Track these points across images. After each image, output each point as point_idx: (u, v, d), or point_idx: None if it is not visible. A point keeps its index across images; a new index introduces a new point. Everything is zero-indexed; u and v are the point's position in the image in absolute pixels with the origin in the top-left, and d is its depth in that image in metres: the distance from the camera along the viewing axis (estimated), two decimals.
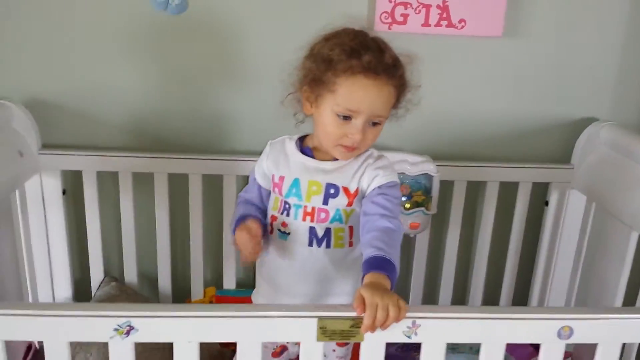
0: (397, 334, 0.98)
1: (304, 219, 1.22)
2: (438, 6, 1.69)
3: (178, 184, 1.75)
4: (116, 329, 0.94)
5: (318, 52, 1.19)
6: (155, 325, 0.96)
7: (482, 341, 1.02)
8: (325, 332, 0.98)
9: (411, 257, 1.87)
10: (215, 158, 1.72)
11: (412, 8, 1.68)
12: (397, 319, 0.96)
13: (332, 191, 1.21)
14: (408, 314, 0.98)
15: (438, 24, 1.70)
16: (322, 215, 1.22)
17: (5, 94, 1.64)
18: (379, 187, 1.19)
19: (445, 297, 1.90)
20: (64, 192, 1.73)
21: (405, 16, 1.69)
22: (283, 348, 1.37)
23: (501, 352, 1.02)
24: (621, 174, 1.63)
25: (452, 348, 1.65)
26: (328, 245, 1.22)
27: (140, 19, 1.66)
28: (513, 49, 1.76)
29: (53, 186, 1.70)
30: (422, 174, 1.72)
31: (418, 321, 0.98)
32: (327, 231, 1.22)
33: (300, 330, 0.98)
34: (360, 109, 1.14)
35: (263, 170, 1.30)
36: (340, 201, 1.21)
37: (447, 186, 1.81)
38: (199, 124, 1.75)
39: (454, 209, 1.83)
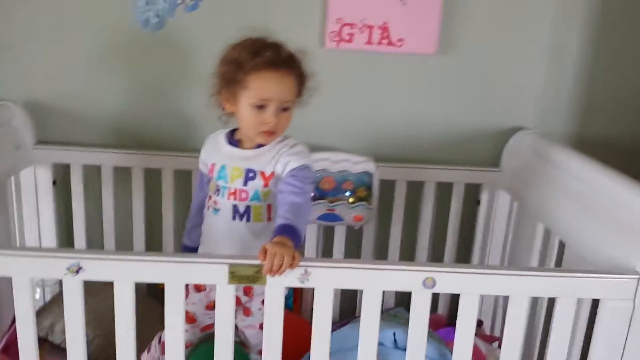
0: (293, 279, 1.22)
1: (228, 198, 1.47)
2: (379, 27, 1.94)
3: (152, 178, 2.00)
4: (68, 268, 1.19)
5: (228, 57, 1.44)
6: (99, 266, 1.21)
7: (364, 287, 1.24)
8: (234, 277, 1.22)
9: (360, 248, 2.08)
10: (185, 155, 1.96)
11: (357, 28, 1.94)
12: (291, 266, 1.20)
13: (250, 175, 1.46)
14: (302, 263, 1.21)
15: (380, 42, 1.95)
16: (243, 195, 1.46)
17: (6, 95, 1.93)
18: (291, 169, 1.43)
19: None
20: (54, 183, 2.00)
21: (351, 35, 1.94)
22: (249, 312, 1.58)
23: (379, 298, 1.24)
24: (537, 175, 1.85)
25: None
26: (248, 219, 1.46)
27: (125, 33, 1.93)
28: (446, 64, 2.00)
29: (45, 177, 1.97)
30: (363, 172, 1.96)
31: (309, 269, 1.22)
32: (247, 208, 1.46)
33: (215, 274, 1.22)
34: (271, 97, 1.39)
35: (202, 159, 1.57)
36: (258, 183, 1.45)
37: (389, 185, 2.05)
38: (172, 124, 2.01)
39: (396, 206, 2.06)
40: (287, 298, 1.30)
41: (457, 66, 2.01)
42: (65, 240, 2.07)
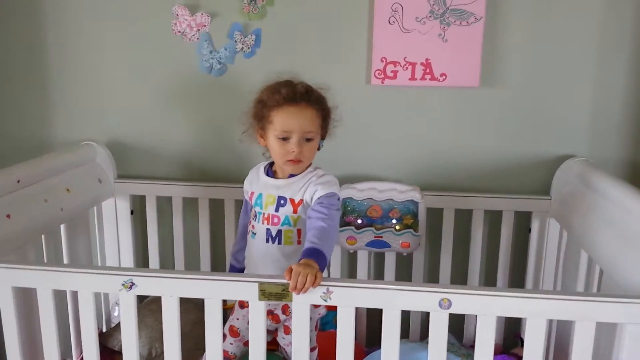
0: (316, 297, 1.34)
1: (263, 222, 1.63)
2: (422, 63, 2.04)
3: (216, 207, 2.20)
4: (123, 284, 1.38)
5: (256, 98, 1.65)
6: (148, 282, 1.38)
7: (383, 307, 1.33)
8: (264, 294, 1.35)
9: (410, 274, 2.16)
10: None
11: (401, 66, 2.05)
12: (313, 284, 1.31)
13: (282, 202, 1.62)
14: (324, 283, 1.33)
15: (423, 78, 2.05)
16: (275, 220, 1.62)
17: (91, 136, 2.21)
18: (319, 197, 1.57)
19: None
20: (132, 212, 2.24)
21: (395, 72, 2.06)
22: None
23: (398, 317, 1.33)
24: (581, 203, 1.85)
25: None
26: (280, 242, 1.61)
27: (192, 78, 2.16)
28: (491, 95, 2.07)
29: (124, 207, 2.22)
30: (409, 200, 2.05)
31: (332, 288, 1.33)
32: (279, 232, 1.61)
33: (247, 292, 1.36)
34: (292, 129, 1.56)
35: (245, 188, 1.75)
36: (288, 209, 1.61)
37: (437, 213, 2.12)
38: (232, 159, 2.20)
39: (445, 233, 2.12)
40: (333, 317, 1.40)
41: (502, 97, 2.07)
42: (142, 262, 2.30)
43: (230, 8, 2.08)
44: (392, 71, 2.06)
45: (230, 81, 2.15)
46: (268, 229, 1.62)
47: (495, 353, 2.10)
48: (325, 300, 1.34)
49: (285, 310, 1.63)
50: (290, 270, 1.33)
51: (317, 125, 1.60)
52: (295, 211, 1.60)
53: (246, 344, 1.67)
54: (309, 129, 1.58)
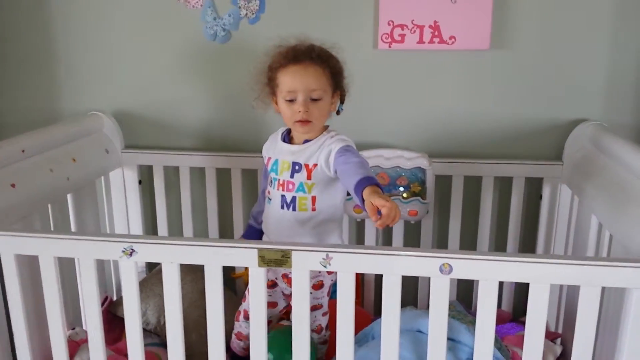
0: (315, 263, 1.32)
1: (277, 189, 1.61)
2: (430, 26, 1.99)
3: (223, 176, 2.18)
4: (123, 251, 1.38)
5: (263, 64, 1.62)
6: (149, 249, 1.38)
7: (383, 272, 1.31)
8: (263, 260, 1.34)
9: (419, 241, 2.13)
10: (251, 155, 2.13)
11: (408, 29, 2.00)
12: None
13: (296, 167, 1.59)
14: (323, 248, 1.31)
15: (431, 41, 2.00)
16: (290, 186, 1.59)
17: (98, 107, 2.20)
18: (337, 152, 1.53)
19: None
20: (139, 182, 2.24)
21: (402, 36, 2.01)
22: (273, 282, 1.71)
23: (398, 282, 1.31)
24: (593, 167, 1.81)
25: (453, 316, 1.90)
26: (294, 209, 1.59)
27: (197, 46, 2.13)
28: (501, 58, 2.01)
29: (131, 177, 2.22)
30: (416, 167, 2.02)
31: (331, 254, 1.31)
32: (293, 198, 1.59)
33: (247, 258, 1.35)
34: (296, 88, 1.53)
35: (263, 153, 1.73)
36: (302, 175, 1.58)
37: (446, 180, 2.08)
38: (239, 128, 2.19)
39: (454, 201, 2.09)
40: None
41: (513, 60, 2.01)
42: (150, 232, 2.30)
43: None
44: (399, 34, 2.01)
45: (235, 48, 2.12)
46: (283, 195, 1.60)
47: (505, 321, 2.08)
48: (325, 267, 1.32)
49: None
50: (374, 207, 1.28)
51: (324, 83, 1.56)
52: (309, 177, 1.57)
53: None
54: (314, 87, 1.54)
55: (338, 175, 1.54)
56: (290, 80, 1.54)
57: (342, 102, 1.65)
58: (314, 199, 1.59)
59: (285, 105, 1.57)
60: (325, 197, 1.60)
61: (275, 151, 1.65)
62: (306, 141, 1.61)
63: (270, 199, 1.65)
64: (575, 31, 1.96)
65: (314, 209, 1.59)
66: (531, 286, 1.28)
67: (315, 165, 1.57)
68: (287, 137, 1.66)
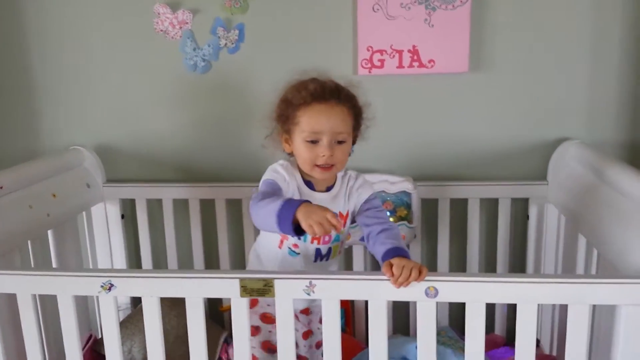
0: (298, 290, 1.29)
1: (312, 242, 1.49)
2: (409, 50, 2.00)
3: (207, 207, 2.16)
4: (102, 286, 1.34)
5: (280, 98, 1.49)
6: (128, 283, 1.34)
7: (369, 298, 1.29)
8: (246, 290, 1.31)
9: None
10: (234, 185, 2.11)
11: (387, 54, 2.01)
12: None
13: None
14: (306, 276, 1.28)
15: (410, 65, 2.01)
16: (327, 238, 1.49)
17: (78, 141, 2.18)
18: (365, 201, 1.50)
19: (441, 306, 2.11)
20: (122, 216, 2.21)
21: (382, 61, 2.01)
22: (309, 332, 1.64)
23: (383, 308, 1.28)
24: (578, 185, 1.80)
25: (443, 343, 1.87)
26: (328, 259, 1.53)
27: (177, 77, 2.12)
28: (481, 81, 2.02)
29: (114, 211, 2.19)
30: (401, 192, 2.00)
31: (314, 281, 1.28)
32: (329, 249, 1.52)
33: (228, 288, 1.31)
34: (322, 130, 1.40)
35: (284, 188, 1.46)
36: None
37: (432, 203, 2.07)
38: (222, 158, 2.17)
39: (441, 224, 2.07)
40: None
41: (493, 82, 2.02)
42: (134, 266, 2.26)
43: (212, 3, 2.04)
44: (379, 60, 2.01)
45: (215, 78, 2.11)
46: (318, 249, 1.49)
47: (499, 345, 2.05)
48: (309, 294, 1.29)
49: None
50: (390, 265, 1.25)
51: (349, 125, 1.45)
52: (344, 225, 1.50)
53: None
54: (341, 130, 1.42)
55: (358, 222, 1.52)
56: (315, 120, 1.40)
57: (353, 142, 1.53)
58: (342, 242, 1.55)
59: (304, 147, 1.42)
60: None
61: (303, 197, 1.47)
62: (330, 187, 1.52)
63: (296, 253, 1.50)
64: (554, 51, 1.97)
65: (340, 252, 1.55)
66: (519, 307, 1.26)
67: (348, 212, 1.52)
68: (310, 183, 1.50)
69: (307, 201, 1.30)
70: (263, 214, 1.32)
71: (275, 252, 1.53)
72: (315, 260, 1.52)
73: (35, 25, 2.13)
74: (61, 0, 2.10)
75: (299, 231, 1.26)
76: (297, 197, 1.47)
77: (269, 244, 1.55)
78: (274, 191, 1.42)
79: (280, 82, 1.76)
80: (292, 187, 1.47)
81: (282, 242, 1.52)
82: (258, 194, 1.39)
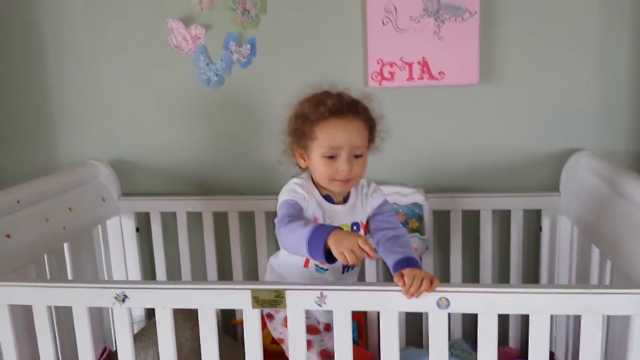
0: (310, 302, 1.30)
1: None
2: (419, 62, 2.01)
3: (220, 220, 2.17)
4: (115, 297, 1.36)
5: (295, 113, 1.48)
6: (141, 294, 1.36)
7: (380, 309, 1.29)
8: (257, 301, 1.32)
9: None
10: (247, 198, 2.13)
11: (397, 66, 2.02)
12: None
13: (355, 228, 1.49)
14: (317, 287, 1.29)
15: (420, 77, 2.02)
16: None
17: (94, 155, 2.21)
18: (378, 207, 1.51)
19: (455, 318, 2.10)
20: (137, 230, 2.23)
21: (392, 74, 2.03)
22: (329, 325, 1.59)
23: (395, 319, 1.28)
24: (591, 196, 1.79)
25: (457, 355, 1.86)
26: (354, 269, 1.54)
27: (191, 92, 2.15)
28: (491, 92, 2.02)
29: (129, 225, 2.21)
30: (413, 204, 2.00)
31: (325, 292, 1.29)
32: None
33: (240, 299, 1.32)
34: (341, 145, 1.40)
35: (305, 209, 1.44)
36: (361, 234, 1.50)
37: (444, 215, 2.07)
38: (235, 171, 2.19)
39: (453, 235, 2.07)
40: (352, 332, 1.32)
41: (504, 93, 2.02)
42: (149, 279, 2.28)
43: (224, 19, 2.07)
44: (389, 72, 2.03)
45: (228, 92, 2.14)
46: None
47: (513, 358, 2.03)
48: (320, 305, 1.30)
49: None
50: (401, 275, 1.25)
51: (366, 138, 1.46)
52: (365, 233, 1.51)
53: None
54: (359, 144, 1.42)
55: (369, 227, 1.52)
56: (335, 135, 1.40)
57: None
58: None
59: (322, 162, 1.42)
60: None
61: (326, 214, 1.47)
62: (346, 197, 1.52)
63: (324, 269, 1.49)
64: (562, 61, 1.98)
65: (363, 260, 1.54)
66: (531, 318, 1.25)
67: (367, 219, 1.53)
68: (329, 197, 1.50)
69: (339, 228, 1.30)
70: (293, 239, 1.32)
71: (301, 270, 1.52)
72: (343, 272, 1.53)
73: (52, 42, 2.17)
74: (77, 18, 2.15)
75: (329, 257, 1.26)
76: (318, 213, 1.47)
77: (294, 264, 1.53)
78: (297, 212, 1.41)
79: (292, 95, 1.74)
80: (312, 204, 1.47)
81: (307, 261, 1.51)
82: (284, 217, 1.37)
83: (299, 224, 1.32)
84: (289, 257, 1.52)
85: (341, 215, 1.49)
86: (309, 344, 1.52)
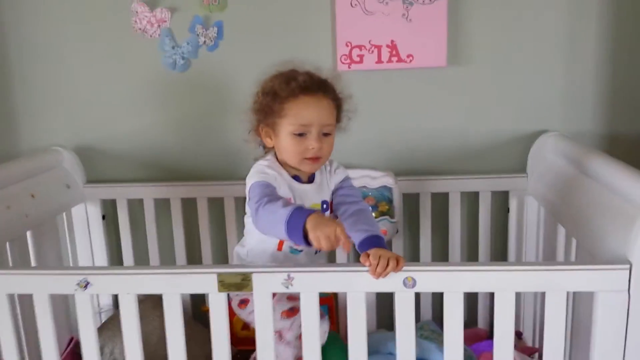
0: (277, 284, 1.28)
1: None
2: (387, 45, 2.00)
3: (189, 206, 2.15)
4: (77, 284, 1.33)
5: (263, 90, 1.47)
6: (104, 280, 1.33)
7: (346, 290, 1.28)
8: (223, 284, 1.30)
9: None
10: (216, 184, 2.10)
11: (366, 49, 2.01)
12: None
13: (325, 206, 1.50)
14: (284, 269, 1.28)
15: (389, 60, 2.01)
16: None
17: (57, 141, 2.16)
18: (340, 182, 1.52)
19: (425, 299, 2.11)
20: (103, 217, 2.19)
21: (361, 56, 2.02)
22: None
23: (362, 299, 1.28)
24: (556, 176, 1.81)
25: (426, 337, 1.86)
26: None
27: (157, 76, 2.11)
28: (460, 74, 2.02)
29: (95, 212, 2.17)
30: (383, 187, 2.00)
31: (292, 274, 1.28)
32: None
33: (206, 283, 1.31)
34: (311, 122, 1.39)
35: (277, 189, 1.42)
36: (328, 212, 1.50)
37: (414, 198, 2.07)
38: (203, 156, 2.16)
39: (422, 218, 2.07)
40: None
41: (471, 76, 2.02)
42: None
43: (190, 1, 2.03)
44: (358, 55, 2.01)
45: (195, 76, 2.10)
46: None
47: (482, 338, 2.05)
48: (287, 287, 1.29)
49: None
50: (367, 255, 1.25)
51: (334, 117, 1.46)
52: (332, 211, 1.50)
53: None
54: (328, 122, 1.42)
55: (333, 203, 1.52)
56: (304, 112, 1.39)
57: None
58: None
59: (292, 140, 1.41)
60: None
61: (296, 194, 1.46)
62: (311, 177, 1.51)
63: (299, 251, 1.49)
64: (531, 44, 1.98)
65: None
66: (497, 295, 1.26)
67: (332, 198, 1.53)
68: (297, 177, 1.49)
69: (319, 212, 1.29)
70: (271, 220, 1.29)
71: (275, 255, 1.51)
72: (316, 253, 1.53)
73: (12, 23, 2.11)
74: (39, 2, 2.08)
75: (307, 239, 1.24)
76: (289, 193, 1.46)
77: (266, 250, 1.51)
78: (272, 192, 1.39)
79: (259, 79, 1.70)
80: (283, 184, 1.46)
81: (281, 243, 1.50)
82: (262, 198, 1.35)
83: (279, 205, 1.30)
84: (260, 243, 1.51)
85: (310, 194, 1.49)
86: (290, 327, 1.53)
